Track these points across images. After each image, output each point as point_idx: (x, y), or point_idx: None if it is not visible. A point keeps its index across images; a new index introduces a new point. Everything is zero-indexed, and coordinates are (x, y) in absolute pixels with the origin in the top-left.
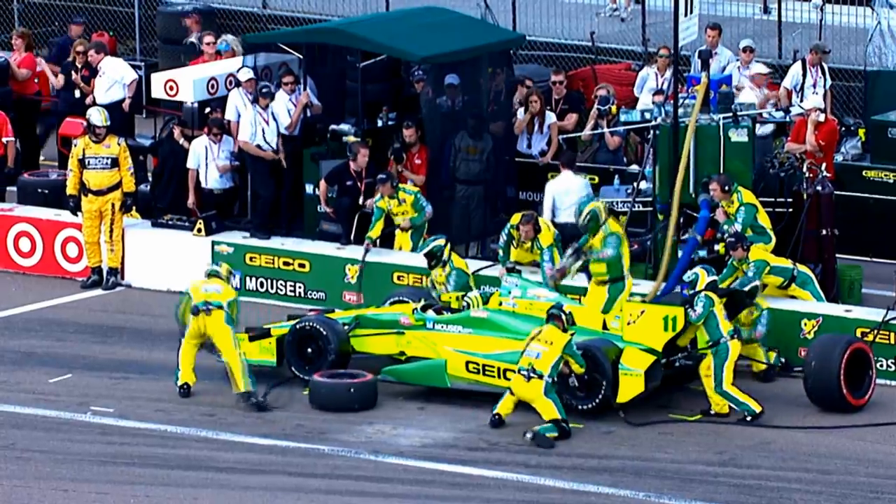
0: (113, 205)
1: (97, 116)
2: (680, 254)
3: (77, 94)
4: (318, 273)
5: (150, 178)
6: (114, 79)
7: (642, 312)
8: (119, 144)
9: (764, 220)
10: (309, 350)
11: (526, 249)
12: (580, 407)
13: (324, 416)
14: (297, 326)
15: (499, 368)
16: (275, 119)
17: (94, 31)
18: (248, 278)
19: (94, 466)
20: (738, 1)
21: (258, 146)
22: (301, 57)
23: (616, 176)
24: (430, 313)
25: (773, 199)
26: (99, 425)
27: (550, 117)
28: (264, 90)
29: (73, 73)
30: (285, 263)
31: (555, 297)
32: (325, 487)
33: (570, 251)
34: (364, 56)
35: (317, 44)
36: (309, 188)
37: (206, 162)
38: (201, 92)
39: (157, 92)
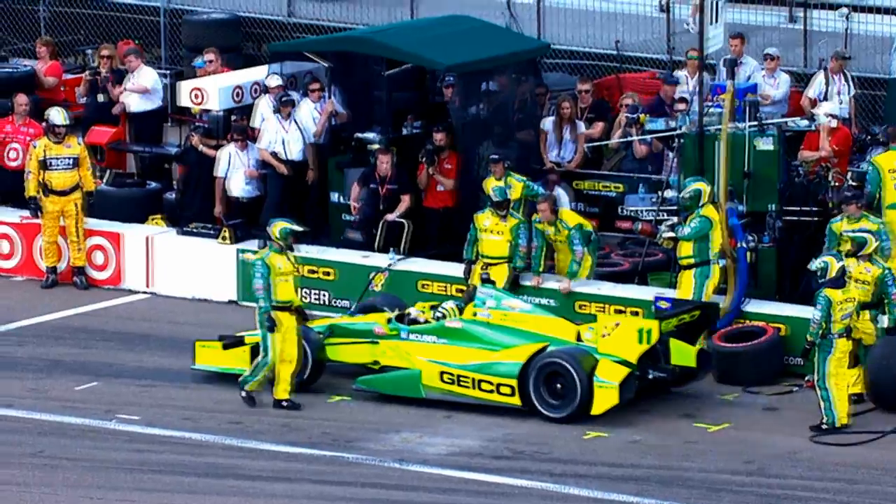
0: (76, 204)
1: (57, 116)
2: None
3: (101, 98)
4: (343, 281)
5: (176, 186)
6: (149, 87)
7: (617, 325)
8: (79, 144)
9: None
10: None
11: (554, 238)
12: (552, 416)
13: (350, 424)
14: None
15: (473, 379)
16: (299, 128)
17: (119, 39)
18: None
19: (121, 474)
20: (765, 10)
21: (274, 154)
22: (327, 65)
23: (641, 184)
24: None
25: (799, 208)
26: (126, 433)
27: (580, 126)
28: (284, 99)
29: (97, 78)
30: (310, 272)
31: (529, 307)
32: (351, 496)
33: (669, 222)
34: (389, 64)
35: (343, 52)
36: (334, 197)
37: (233, 170)
38: (227, 100)
39: (184, 100)
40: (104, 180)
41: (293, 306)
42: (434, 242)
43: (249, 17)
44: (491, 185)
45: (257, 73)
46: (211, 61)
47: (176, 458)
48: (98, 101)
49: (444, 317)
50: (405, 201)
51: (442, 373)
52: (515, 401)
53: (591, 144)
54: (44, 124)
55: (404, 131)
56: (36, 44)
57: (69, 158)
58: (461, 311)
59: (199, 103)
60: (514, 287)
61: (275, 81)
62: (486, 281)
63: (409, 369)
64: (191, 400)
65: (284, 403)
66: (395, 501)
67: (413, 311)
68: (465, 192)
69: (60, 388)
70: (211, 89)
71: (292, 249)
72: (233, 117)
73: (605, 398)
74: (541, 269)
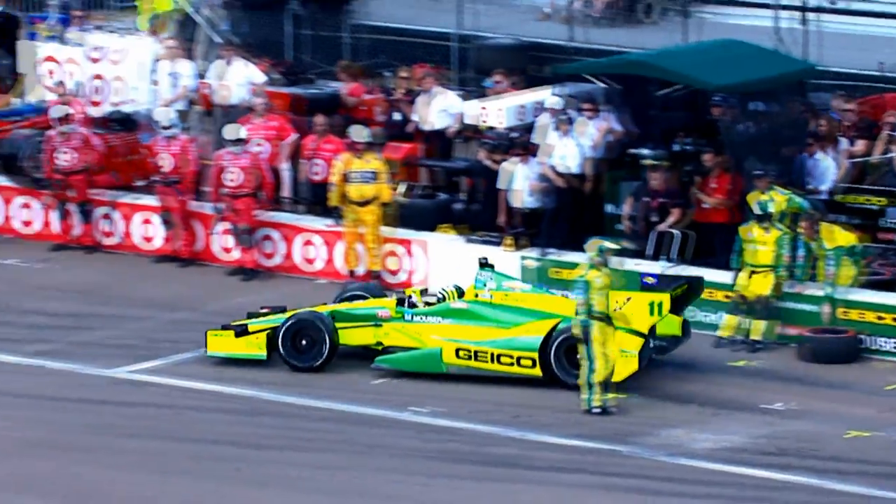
0: (373, 213)
1: (358, 133)
2: None
3: (398, 116)
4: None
5: (465, 198)
6: (443, 107)
7: (628, 299)
8: (378, 159)
9: None
10: (303, 342)
11: (817, 251)
12: (574, 383)
13: (626, 420)
14: (292, 321)
15: (492, 354)
16: (577, 144)
17: (415, 62)
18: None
19: (417, 461)
20: None
21: (552, 167)
22: (605, 86)
23: None
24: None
25: None
26: (419, 424)
27: (843, 143)
28: (563, 117)
29: (394, 98)
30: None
31: (528, 287)
32: (627, 486)
33: None
34: (662, 85)
35: (620, 74)
36: (608, 208)
37: (516, 182)
38: (511, 118)
39: (471, 118)
40: (400, 192)
41: (606, 316)
42: (705, 254)
43: (534, 42)
44: (754, 199)
45: (540, 93)
46: (498, 82)
47: (465, 447)
48: (392, 119)
49: (444, 299)
50: (675, 213)
51: (458, 349)
52: (536, 372)
53: (853, 160)
54: (346, 141)
55: (676, 147)
56: (339, 67)
57: (368, 172)
58: (461, 293)
59: (486, 121)
60: (778, 293)
61: (555, 101)
62: (485, 265)
63: (429, 348)
64: (479, 394)
65: (595, 409)
66: (665, 493)
67: (414, 297)
68: (739, 206)
69: (361, 382)
70: (497, 108)
71: (607, 265)
72: (513, 134)
73: (625, 366)
74: (805, 278)
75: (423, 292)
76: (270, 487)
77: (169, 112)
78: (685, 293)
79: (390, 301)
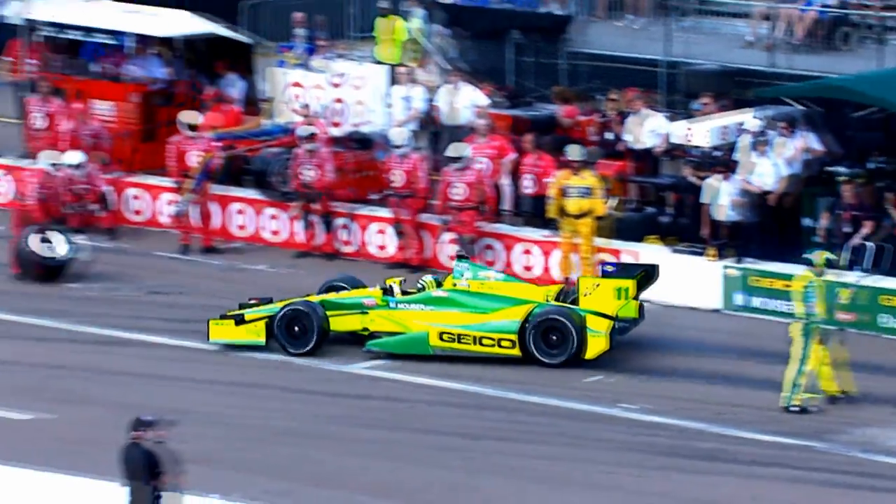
0: (588, 226)
1: (574, 152)
2: None
3: (610, 136)
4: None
5: (671, 211)
6: (652, 127)
7: (597, 286)
8: (593, 175)
9: None
10: (296, 329)
11: None
12: (550, 362)
13: (824, 418)
14: (287, 309)
15: (474, 336)
16: (774, 162)
17: (625, 86)
18: (752, 298)
19: (626, 454)
20: None
21: (752, 184)
22: (804, 108)
23: None
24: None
25: None
26: (628, 419)
27: None
28: (761, 137)
29: (604, 119)
30: (786, 285)
31: (502, 276)
32: (822, 480)
33: None
34: (857, 107)
35: (818, 97)
36: (805, 221)
37: (720, 198)
38: (716, 138)
39: (678, 138)
40: (611, 206)
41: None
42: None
43: (738, 68)
44: None
45: (742, 115)
46: (706, 104)
47: (671, 442)
48: (607, 138)
49: (424, 289)
50: (867, 226)
51: (441, 333)
52: (515, 352)
53: None
54: (561, 159)
55: (871, 166)
56: (553, 92)
57: (583, 188)
58: (439, 283)
59: (692, 140)
60: None
61: (754, 123)
62: (461, 257)
63: (416, 332)
64: (682, 392)
65: (793, 408)
66: (858, 486)
67: (394, 287)
68: None
69: (574, 379)
70: (702, 129)
71: (822, 275)
72: (716, 152)
73: (596, 345)
74: None
75: (404, 282)
76: (494, 476)
77: (402, 132)
78: (642, 280)
79: (376, 291)
